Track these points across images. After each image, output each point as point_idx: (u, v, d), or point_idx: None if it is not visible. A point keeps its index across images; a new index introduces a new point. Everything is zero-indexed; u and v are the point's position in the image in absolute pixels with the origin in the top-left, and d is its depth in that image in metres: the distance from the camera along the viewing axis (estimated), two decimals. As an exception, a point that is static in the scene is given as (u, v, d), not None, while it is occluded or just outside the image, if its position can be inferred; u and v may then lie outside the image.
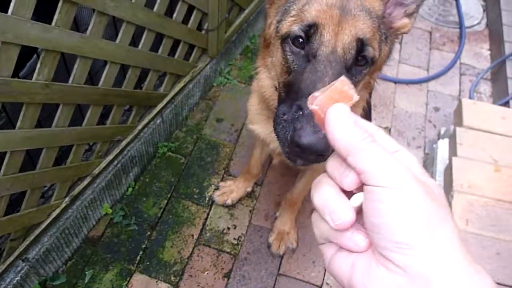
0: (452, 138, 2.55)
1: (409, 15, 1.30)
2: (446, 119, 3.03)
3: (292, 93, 1.15)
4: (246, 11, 3.02)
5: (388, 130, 2.94)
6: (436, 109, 3.10)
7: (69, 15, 1.56)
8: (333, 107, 0.58)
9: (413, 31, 3.63)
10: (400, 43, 3.51)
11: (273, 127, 1.17)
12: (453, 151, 2.49)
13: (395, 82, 3.22)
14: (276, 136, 1.15)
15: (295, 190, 2.22)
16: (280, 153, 1.68)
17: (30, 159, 1.79)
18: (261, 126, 1.72)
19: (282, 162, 2.03)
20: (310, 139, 0.90)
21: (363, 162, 0.55)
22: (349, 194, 0.59)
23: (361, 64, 1.18)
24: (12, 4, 1.34)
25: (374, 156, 0.55)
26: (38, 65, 1.55)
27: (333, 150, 0.61)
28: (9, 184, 1.64)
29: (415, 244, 0.51)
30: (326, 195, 0.59)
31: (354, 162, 0.56)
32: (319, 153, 0.91)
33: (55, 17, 1.52)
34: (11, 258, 1.88)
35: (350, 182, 0.58)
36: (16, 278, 1.90)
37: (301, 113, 1.00)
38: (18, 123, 1.58)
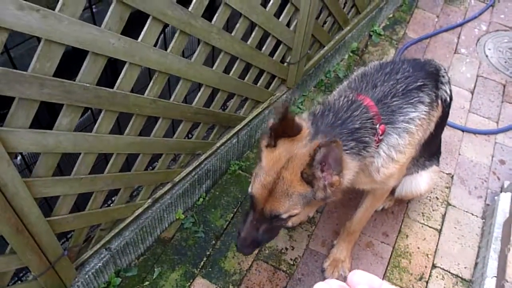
0: (516, 193, 2.60)
1: (337, 175, 1.63)
2: (511, 173, 3.05)
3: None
4: (326, 47, 3.22)
5: (451, 176, 3.00)
6: (502, 162, 3.13)
7: (181, 44, 1.82)
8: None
9: (487, 82, 3.68)
10: (472, 93, 3.58)
11: None
12: (515, 206, 2.53)
13: (463, 131, 3.29)
14: None
15: (354, 218, 2.36)
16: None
17: (127, 162, 2.06)
18: None
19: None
20: (241, 249, 1.85)
21: None
22: None
23: (279, 219, 1.73)
24: (142, 33, 1.61)
25: None
26: (150, 84, 1.81)
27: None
28: (111, 180, 1.90)
29: None
30: None
31: None
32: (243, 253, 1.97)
33: (171, 44, 1.79)
34: (98, 246, 2.14)
35: None
36: (99, 264, 2.15)
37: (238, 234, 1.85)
38: (127, 130, 1.84)
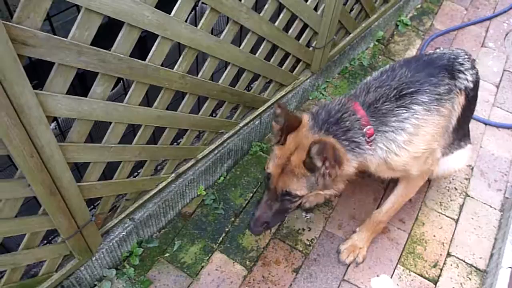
0: (536, 186, 2.59)
1: (334, 167, 1.82)
2: (533, 168, 3.04)
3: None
4: (352, 34, 3.23)
5: (471, 168, 3.00)
6: (524, 157, 3.11)
7: (211, 21, 1.87)
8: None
9: (513, 76, 3.65)
10: (497, 87, 3.55)
11: None
12: (534, 199, 2.52)
13: (486, 124, 3.27)
14: None
15: (383, 208, 2.40)
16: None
17: (153, 137, 2.12)
18: None
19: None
20: (252, 228, 2.06)
21: None
22: None
23: (288, 197, 1.96)
24: (175, 8, 1.66)
25: None
26: (180, 59, 1.87)
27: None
28: (138, 152, 1.98)
29: None
30: None
31: None
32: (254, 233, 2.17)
33: (201, 21, 1.84)
34: (122, 215, 2.23)
35: None
36: (123, 233, 2.24)
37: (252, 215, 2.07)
38: (155, 103, 1.91)
